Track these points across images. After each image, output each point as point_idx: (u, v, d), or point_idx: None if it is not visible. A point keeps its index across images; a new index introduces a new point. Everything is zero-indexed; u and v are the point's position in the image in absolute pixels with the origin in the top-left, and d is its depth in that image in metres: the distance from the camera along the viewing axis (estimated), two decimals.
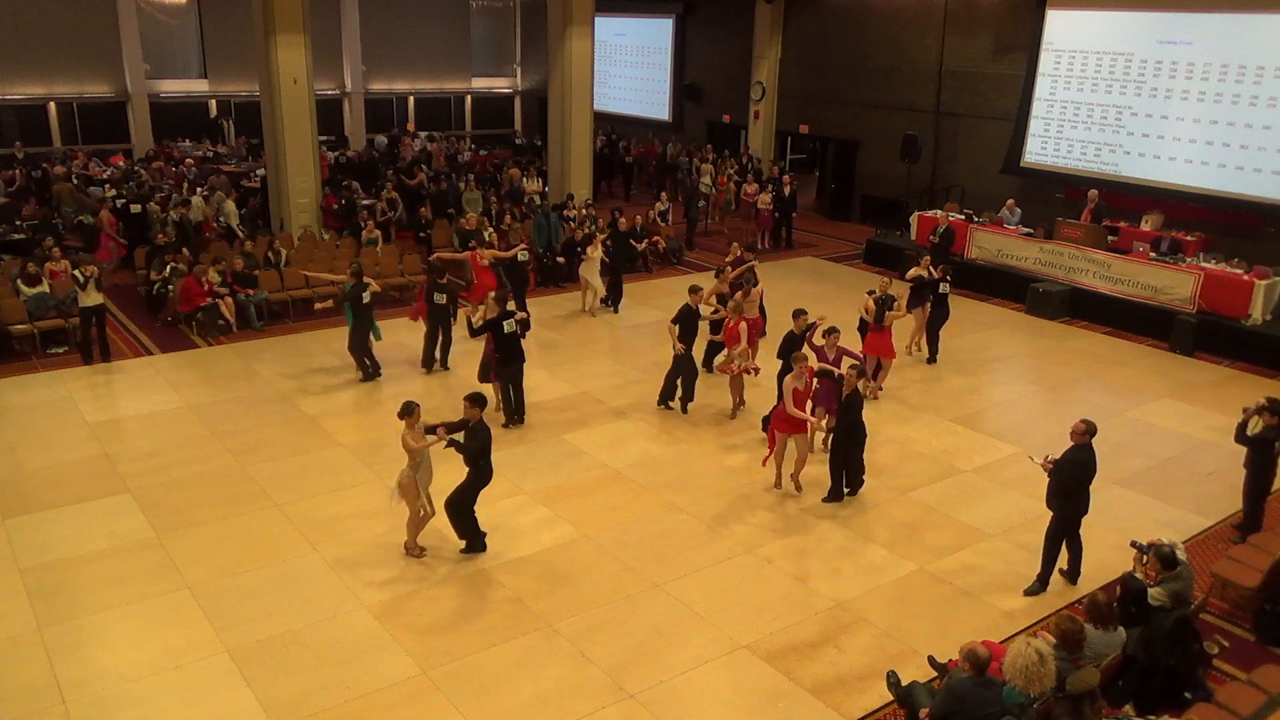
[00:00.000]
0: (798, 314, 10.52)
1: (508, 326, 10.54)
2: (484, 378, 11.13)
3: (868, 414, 9.58)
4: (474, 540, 8.33)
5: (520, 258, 14.54)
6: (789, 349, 9.95)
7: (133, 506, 9.02)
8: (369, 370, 12.24)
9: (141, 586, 7.81)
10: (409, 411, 7.93)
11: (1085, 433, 7.77)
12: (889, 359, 11.95)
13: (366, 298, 11.83)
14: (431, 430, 7.96)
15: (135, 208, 17.32)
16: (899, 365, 12.46)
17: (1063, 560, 8.14)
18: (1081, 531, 7.97)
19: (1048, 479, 7.97)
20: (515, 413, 10.98)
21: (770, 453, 9.60)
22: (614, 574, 8.15)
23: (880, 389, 11.96)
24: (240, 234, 17.20)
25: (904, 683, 6.41)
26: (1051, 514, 8.04)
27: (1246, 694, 6.01)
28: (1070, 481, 7.80)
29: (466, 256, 14.13)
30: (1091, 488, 9.78)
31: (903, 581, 8.17)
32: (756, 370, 11.23)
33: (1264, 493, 8.75)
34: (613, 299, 15.51)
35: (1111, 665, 6.20)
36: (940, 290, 12.86)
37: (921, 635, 7.40)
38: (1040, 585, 8.06)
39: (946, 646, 6.96)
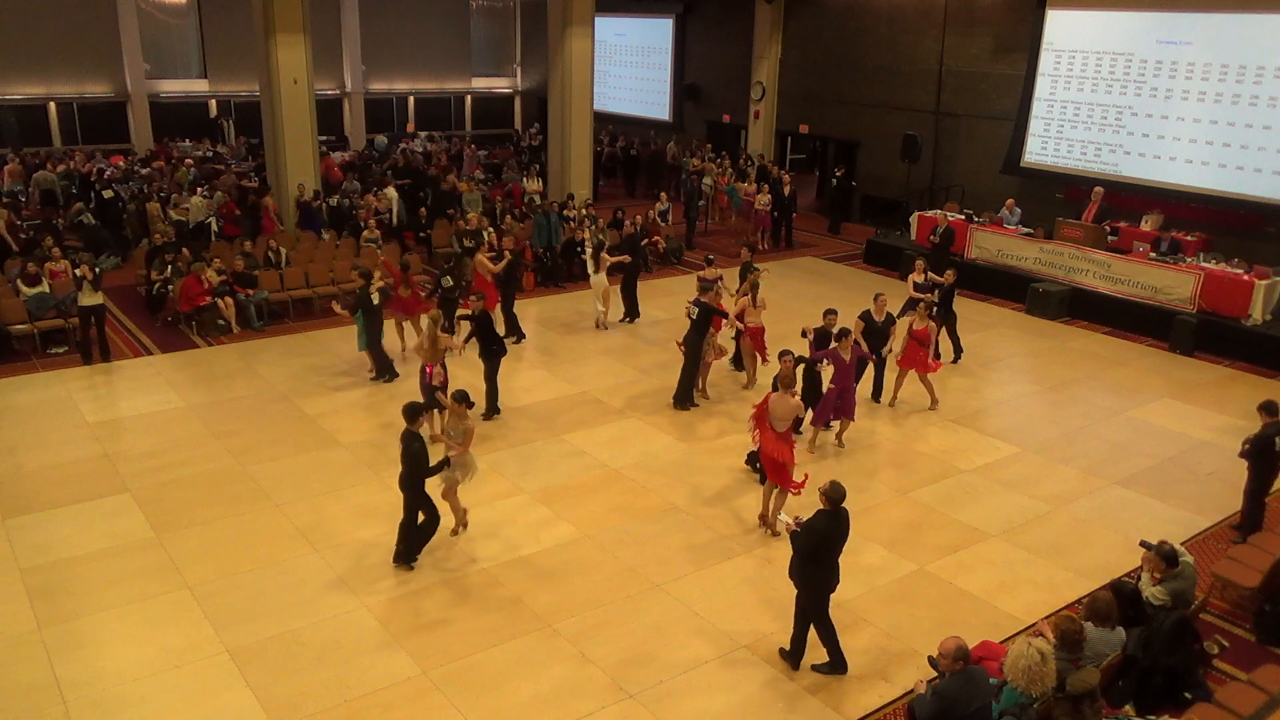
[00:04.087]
0: (828, 313, 10.61)
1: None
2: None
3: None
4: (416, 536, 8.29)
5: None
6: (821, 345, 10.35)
7: (133, 506, 9.02)
8: (385, 369, 12.12)
9: (141, 586, 7.81)
10: (461, 399, 8.38)
11: (828, 495, 6.62)
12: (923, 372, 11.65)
13: (375, 298, 11.80)
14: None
15: (108, 193, 17.36)
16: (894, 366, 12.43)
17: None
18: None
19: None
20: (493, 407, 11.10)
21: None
22: (614, 574, 8.15)
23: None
24: (401, 220, 17.32)
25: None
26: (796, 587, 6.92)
27: (1246, 694, 6.01)
28: (804, 549, 6.64)
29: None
30: (1091, 488, 9.93)
31: (903, 581, 8.17)
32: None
33: (1264, 493, 8.76)
34: (632, 313, 14.92)
35: (1111, 665, 6.20)
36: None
37: (921, 635, 7.39)
38: (793, 662, 7.01)
39: None
